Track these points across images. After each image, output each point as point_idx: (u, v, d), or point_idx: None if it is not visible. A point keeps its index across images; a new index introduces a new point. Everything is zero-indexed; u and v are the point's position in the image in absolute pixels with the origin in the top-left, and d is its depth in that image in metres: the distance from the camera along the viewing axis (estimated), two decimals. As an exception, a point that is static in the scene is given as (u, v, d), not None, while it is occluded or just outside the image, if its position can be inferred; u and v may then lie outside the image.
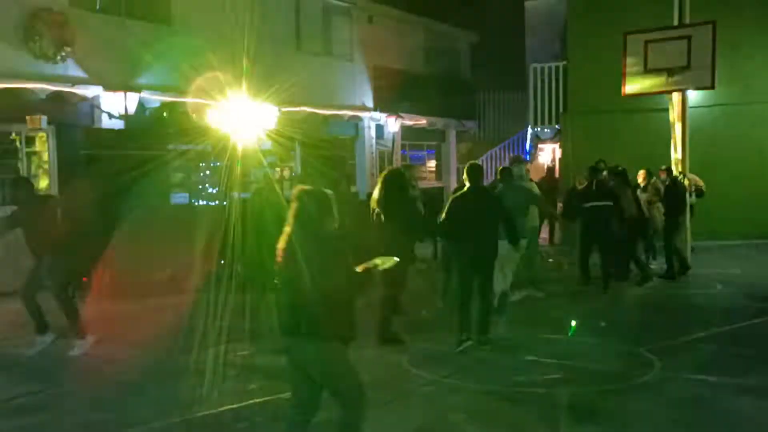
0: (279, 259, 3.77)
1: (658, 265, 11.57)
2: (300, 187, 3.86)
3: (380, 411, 4.87)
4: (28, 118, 10.57)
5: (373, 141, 18.94)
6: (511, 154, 18.55)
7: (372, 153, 18.87)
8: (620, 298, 9.51)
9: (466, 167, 7.20)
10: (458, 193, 7.30)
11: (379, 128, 18.85)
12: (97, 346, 7.01)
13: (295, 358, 3.77)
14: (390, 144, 19.29)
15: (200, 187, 12.52)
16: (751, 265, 11.95)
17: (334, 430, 3.80)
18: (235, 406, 5.34)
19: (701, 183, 12.29)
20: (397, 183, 7.26)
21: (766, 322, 7.89)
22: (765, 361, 6.43)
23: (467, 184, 7.07)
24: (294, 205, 3.76)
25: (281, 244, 3.77)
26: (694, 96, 12.61)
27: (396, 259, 3.97)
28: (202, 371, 6.11)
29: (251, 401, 5.42)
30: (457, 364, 6.35)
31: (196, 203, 12.22)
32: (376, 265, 3.84)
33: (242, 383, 5.90)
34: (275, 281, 3.85)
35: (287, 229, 3.77)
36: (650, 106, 13.65)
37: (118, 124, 11.83)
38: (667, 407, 5.21)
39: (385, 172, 7.64)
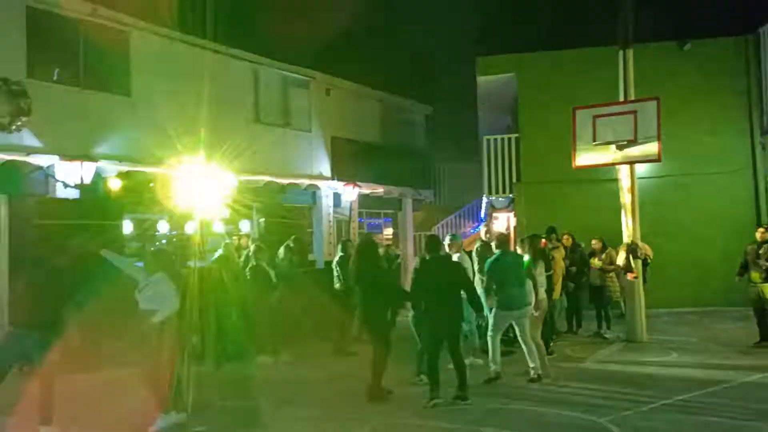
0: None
1: (613, 333, 11.77)
2: None
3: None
4: (-21, 187, 10.39)
5: (331, 209, 19.02)
6: (469, 222, 18.86)
7: (329, 221, 18.93)
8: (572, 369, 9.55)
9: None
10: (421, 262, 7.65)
11: (337, 197, 18.98)
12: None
13: None
14: (347, 212, 19.40)
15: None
16: (706, 333, 12.20)
17: None
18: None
19: (649, 251, 12.70)
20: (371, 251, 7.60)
21: (723, 390, 8.00)
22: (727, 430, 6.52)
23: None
24: None
25: None
26: (640, 167, 13.10)
27: None
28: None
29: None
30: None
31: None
32: None
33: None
34: None
35: None
36: (599, 176, 14.13)
37: (74, 194, 11.66)
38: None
39: (359, 241, 7.93)
